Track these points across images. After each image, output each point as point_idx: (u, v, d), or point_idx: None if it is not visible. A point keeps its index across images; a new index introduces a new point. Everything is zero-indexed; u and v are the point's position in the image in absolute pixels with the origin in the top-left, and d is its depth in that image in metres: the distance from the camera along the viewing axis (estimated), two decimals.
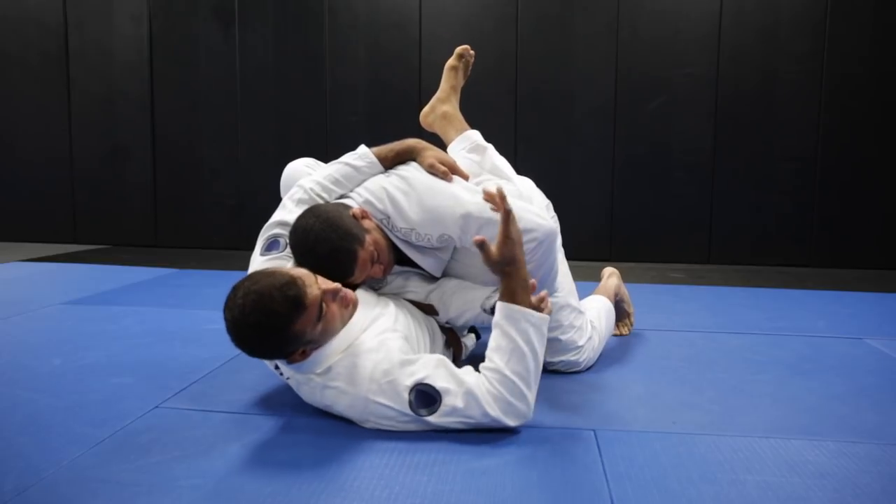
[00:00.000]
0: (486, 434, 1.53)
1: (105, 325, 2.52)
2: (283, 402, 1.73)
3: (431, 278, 1.91)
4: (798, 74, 4.22)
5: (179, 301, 2.99)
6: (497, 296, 1.69)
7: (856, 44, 4.16)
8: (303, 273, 1.50)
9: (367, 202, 1.78)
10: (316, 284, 1.49)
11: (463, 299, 1.80)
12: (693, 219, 4.41)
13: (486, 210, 1.68)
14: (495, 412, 1.48)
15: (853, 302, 3.14)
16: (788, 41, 4.21)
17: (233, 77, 4.71)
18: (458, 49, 2.40)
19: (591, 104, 4.41)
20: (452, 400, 1.48)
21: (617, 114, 4.39)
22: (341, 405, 1.55)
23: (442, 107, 2.37)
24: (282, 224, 1.77)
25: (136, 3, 4.77)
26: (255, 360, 2.05)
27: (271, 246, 1.74)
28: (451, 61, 2.41)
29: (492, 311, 1.70)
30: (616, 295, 2.40)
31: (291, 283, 1.44)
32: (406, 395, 1.49)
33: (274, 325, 1.42)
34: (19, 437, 1.52)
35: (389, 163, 1.87)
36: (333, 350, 1.55)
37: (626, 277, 3.70)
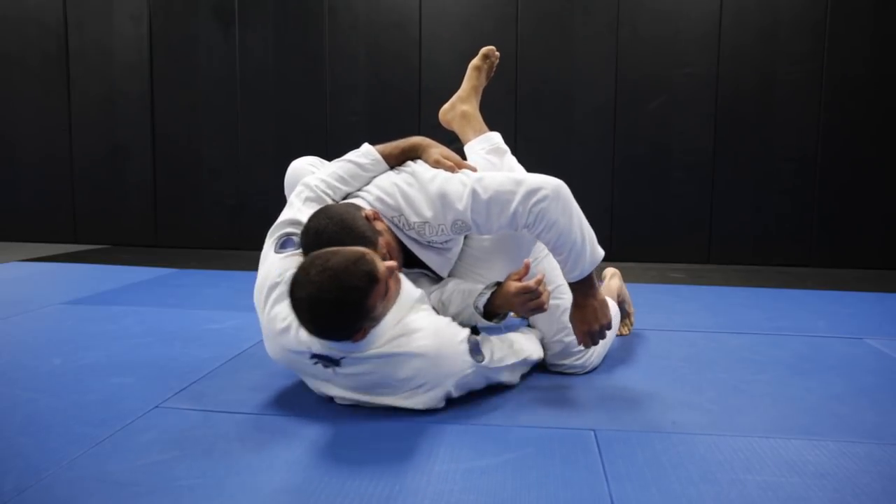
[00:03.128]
0: (486, 434, 1.53)
1: (105, 325, 2.52)
2: (283, 402, 1.73)
3: (437, 279, 1.91)
4: (798, 74, 4.22)
5: (179, 301, 2.99)
6: (488, 293, 1.74)
7: (856, 44, 4.16)
8: (366, 249, 1.51)
9: (379, 199, 1.78)
10: (380, 260, 1.52)
11: (461, 298, 1.80)
12: (693, 219, 4.41)
13: (493, 184, 1.70)
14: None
15: (853, 302, 3.14)
16: (788, 41, 4.21)
17: (233, 77, 4.71)
18: (484, 49, 2.38)
19: (591, 104, 4.41)
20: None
21: (617, 114, 4.40)
22: (408, 371, 1.57)
23: (462, 106, 2.37)
24: (292, 223, 1.76)
25: (136, 3, 4.77)
26: (256, 361, 2.06)
27: (285, 244, 1.72)
28: (475, 61, 2.39)
29: (483, 309, 1.75)
30: (618, 296, 2.39)
31: (363, 258, 1.45)
32: (465, 346, 1.64)
33: (352, 300, 1.42)
34: (19, 437, 1.51)
35: (395, 160, 1.87)
36: (387, 324, 1.56)
37: (626, 277, 3.70)
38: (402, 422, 1.60)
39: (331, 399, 1.70)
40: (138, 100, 4.85)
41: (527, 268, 1.74)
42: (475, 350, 1.67)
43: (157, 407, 1.70)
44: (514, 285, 1.72)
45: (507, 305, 1.75)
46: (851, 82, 4.19)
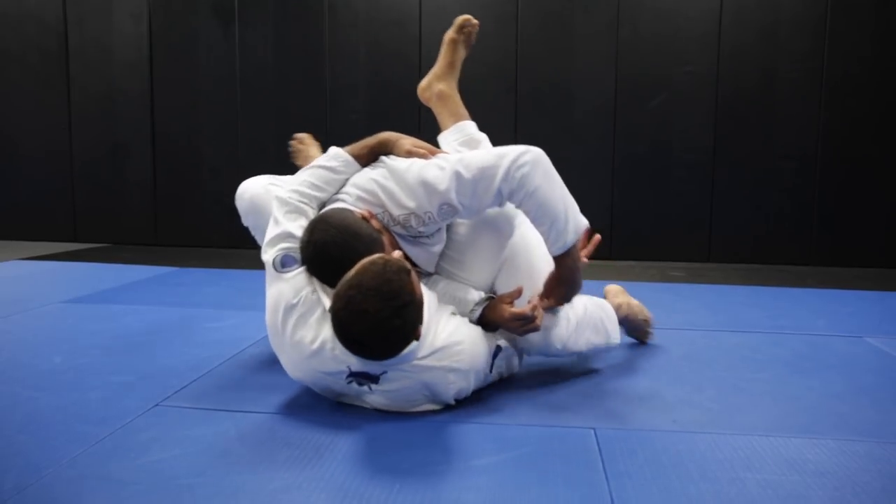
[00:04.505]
0: (486, 433, 1.53)
1: (105, 324, 2.52)
2: (283, 400, 1.73)
3: (425, 276, 1.90)
4: (798, 73, 4.22)
5: (179, 299, 2.99)
6: (479, 310, 1.75)
7: (856, 42, 4.16)
8: (379, 254, 1.51)
9: (359, 199, 1.74)
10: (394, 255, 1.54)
11: (455, 306, 1.77)
12: (693, 217, 4.41)
13: (476, 161, 1.68)
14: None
15: (853, 300, 3.14)
16: (789, 40, 4.21)
17: (233, 75, 4.71)
18: (459, 19, 2.26)
19: (591, 102, 4.41)
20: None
21: (617, 112, 4.39)
22: (447, 383, 1.60)
23: (438, 85, 2.29)
24: (286, 237, 1.67)
25: (136, 1, 4.76)
26: (256, 359, 2.06)
27: (286, 261, 1.65)
28: (450, 33, 2.27)
29: (477, 321, 1.74)
30: (625, 315, 2.21)
31: (387, 262, 1.44)
32: (491, 359, 1.72)
33: (406, 301, 1.41)
34: (19, 435, 1.51)
35: (366, 159, 1.82)
36: (427, 334, 1.56)
37: (626, 276, 3.71)
38: (401, 420, 1.60)
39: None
40: (138, 98, 4.85)
41: (519, 292, 1.72)
42: (494, 361, 1.74)
43: (156, 405, 1.70)
44: (507, 311, 1.70)
45: (500, 324, 1.75)
46: (852, 81, 4.18)
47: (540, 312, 1.70)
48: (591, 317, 1.93)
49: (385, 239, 1.69)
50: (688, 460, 1.41)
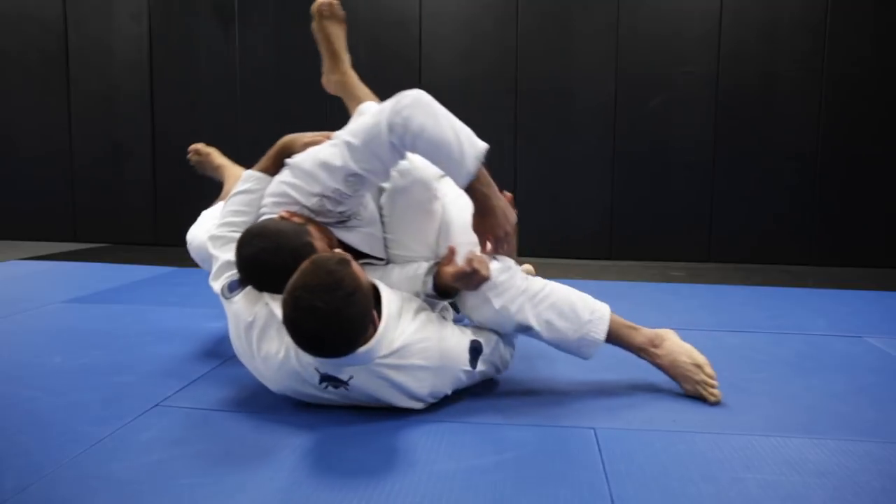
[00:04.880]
0: (486, 433, 1.53)
1: (105, 324, 2.52)
2: (283, 401, 1.73)
3: (381, 267, 1.88)
4: (798, 73, 4.22)
5: (180, 299, 2.99)
6: (430, 279, 1.73)
7: (856, 42, 4.16)
8: (315, 255, 1.52)
9: (274, 203, 1.75)
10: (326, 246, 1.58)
11: (409, 285, 1.76)
12: (693, 217, 4.41)
13: (361, 127, 1.68)
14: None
15: (853, 300, 3.14)
16: (789, 40, 4.21)
17: (233, 75, 4.71)
18: (313, 8, 2.25)
19: (591, 102, 4.41)
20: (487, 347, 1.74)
21: (617, 112, 4.39)
22: (418, 381, 1.59)
23: (332, 76, 2.33)
24: (227, 266, 1.72)
25: (136, 1, 4.76)
26: None
27: (231, 286, 1.69)
28: (313, 25, 2.29)
29: (434, 293, 1.73)
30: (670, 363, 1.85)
31: (322, 258, 1.45)
32: (467, 355, 1.69)
33: (352, 289, 1.41)
34: (20, 436, 1.52)
35: (274, 169, 1.84)
36: (388, 331, 1.55)
37: (626, 276, 3.71)
38: (402, 420, 1.61)
39: None
40: (138, 98, 4.85)
41: (452, 251, 1.71)
42: (473, 357, 1.70)
43: (157, 405, 1.70)
44: (449, 272, 1.69)
45: (452, 287, 1.73)
46: (851, 81, 4.19)
47: (482, 264, 1.66)
48: (552, 294, 1.78)
49: (312, 229, 1.68)
50: (688, 460, 1.41)
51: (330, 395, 1.62)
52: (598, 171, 4.42)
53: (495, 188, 1.70)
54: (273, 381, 1.65)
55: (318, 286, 1.39)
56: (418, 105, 1.62)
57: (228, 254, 1.73)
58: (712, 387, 1.76)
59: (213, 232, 1.83)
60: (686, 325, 2.60)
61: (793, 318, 2.76)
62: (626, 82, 4.37)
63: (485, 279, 1.68)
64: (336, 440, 1.50)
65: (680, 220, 4.42)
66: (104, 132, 4.93)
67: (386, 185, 1.83)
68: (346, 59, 2.36)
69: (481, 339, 1.74)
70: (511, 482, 1.31)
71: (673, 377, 1.82)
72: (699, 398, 1.77)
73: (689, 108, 4.34)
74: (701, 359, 1.80)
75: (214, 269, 1.77)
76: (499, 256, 1.78)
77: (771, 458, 1.43)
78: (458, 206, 1.82)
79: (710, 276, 3.82)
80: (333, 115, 4.56)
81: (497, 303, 1.73)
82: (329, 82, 2.37)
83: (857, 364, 2.13)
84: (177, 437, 1.51)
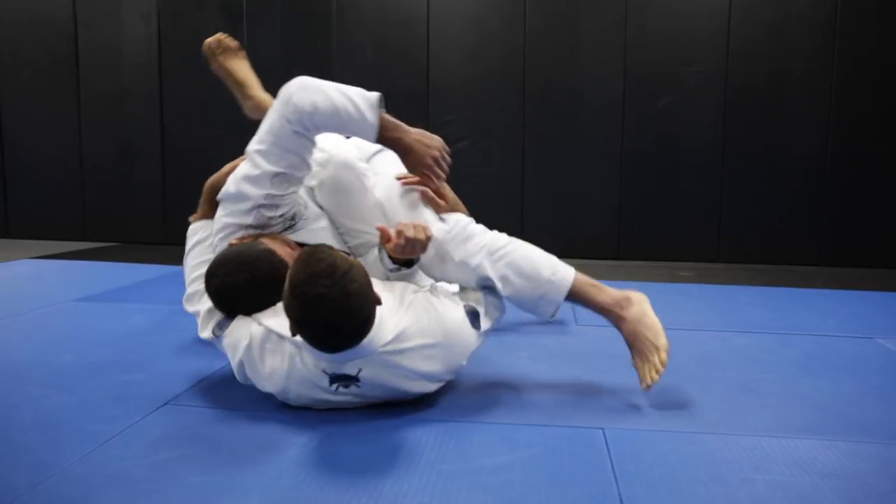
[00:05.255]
0: (495, 433, 1.54)
1: (115, 323, 2.53)
2: (266, 399, 1.73)
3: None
4: (807, 71, 4.20)
5: None
6: (385, 254, 1.75)
7: (865, 40, 4.14)
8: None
9: (222, 240, 1.77)
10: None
11: (376, 273, 1.77)
12: (701, 217, 4.39)
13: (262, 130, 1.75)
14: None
15: (862, 301, 3.12)
16: (798, 38, 4.19)
17: None
18: (204, 49, 2.44)
19: (599, 101, 4.40)
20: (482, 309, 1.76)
21: (625, 111, 4.38)
22: (429, 360, 1.60)
23: (247, 104, 2.48)
24: (209, 313, 1.74)
25: (145, 1, 4.78)
26: None
27: (221, 325, 1.70)
28: (211, 66, 2.45)
29: (396, 266, 1.76)
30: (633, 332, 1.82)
31: (302, 254, 1.45)
32: (468, 321, 1.68)
33: (346, 267, 1.41)
34: (31, 433, 1.53)
35: (211, 210, 1.90)
36: (385, 319, 1.55)
37: (634, 276, 3.70)
38: (410, 418, 1.61)
39: None
40: (147, 98, 4.87)
41: (384, 232, 1.68)
42: (474, 321, 1.70)
43: (166, 404, 1.71)
44: (390, 249, 1.69)
45: (402, 258, 1.72)
46: (860, 79, 4.16)
47: (417, 228, 1.65)
48: (515, 251, 1.81)
49: (266, 240, 1.71)
50: (697, 461, 1.41)
51: (343, 396, 1.62)
52: (605, 170, 4.41)
53: (404, 127, 1.78)
54: (288, 393, 1.64)
55: (315, 275, 1.39)
56: (303, 88, 1.69)
57: (205, 304, 1.75)
58: (656, 373, 1.71)
59: (185, 294, 1.88)
60: (694, 325, 2.59)
61: (801, 318, 2.75)
62: (635, 81, 4.35)
63: (424, 241, 1.66)
64: (343, 439, 1.51)
65: (688, 219, 4.40)
66: (114, 132, 4.95)
67: (313, 182, 1.88)
68: (253, 83, 2.48)
69: (471, 302, 1.75)
70: (520, 482, 1.31)
71: (629, 345, 1.80)
72: (639, 374, 1.74)
73: (697, 106, 4.32)
74: (663, 342, 1.75)
75: (200, 323, 1.78)
76: (446, 216, 1.84)
77: (780, 459, 1.42)
78: (389, 175, 1.89)
79: (718, 277, 3.81)
80: None
81: (457, 256, 1.79)
82: (248, 110, 2.47)
83: (866, 365, 2.12)
84: (186, 435, 1.52)
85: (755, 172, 4.31)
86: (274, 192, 1.73)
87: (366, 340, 1.49)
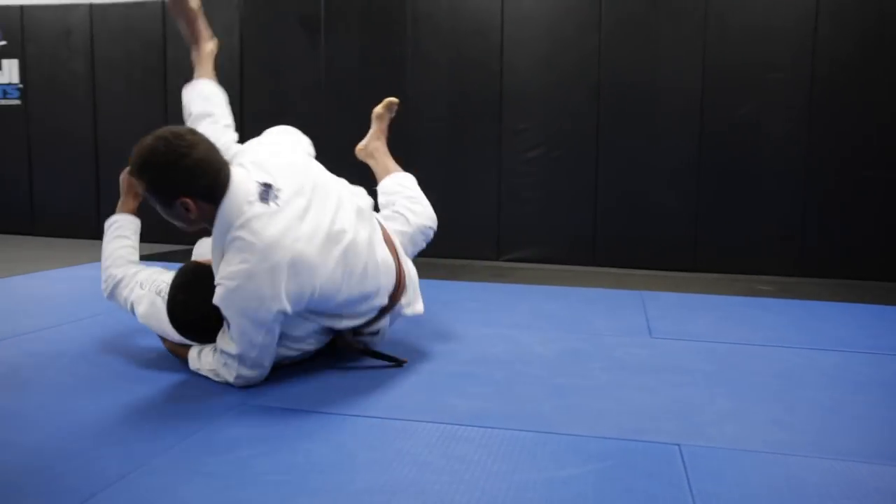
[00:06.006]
0: (568, 444, 1.52)
1: None
2: (365, 402, 1.76)
3: None
4: None
5: None
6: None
7: None
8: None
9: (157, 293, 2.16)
10: None
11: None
12: (784, 228, 4.21)
13: None
14: None
15: None
16: (892, 41, 3.97)
17: (318, 84, 4.85)
18: (388, 102, 2.83)
19: (676, 107, 4.29)
20: None
21: (704, 117, 4.26)
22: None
23: (373, 143, 2.83)
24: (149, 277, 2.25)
25: (228, 13, 4.99)
26: (338, 359, 2.11)
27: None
28: (378, 109, 2.81)
29: None
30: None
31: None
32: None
33: (188, 131, 2.05)
34: (121, 426, 1.61)
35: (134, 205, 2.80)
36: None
37: (710, 289, 3.59)
38: (484, 429, 1.61)
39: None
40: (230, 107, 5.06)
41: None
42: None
43: (244, 403, 1.76)
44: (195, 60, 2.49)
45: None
46: None
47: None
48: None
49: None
50: (780, 484, 1.35)
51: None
52: (683, 178, 4.29)
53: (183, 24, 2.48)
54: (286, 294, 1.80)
55: (161, 139, 1.95)
56: (192, 88, 2.62)
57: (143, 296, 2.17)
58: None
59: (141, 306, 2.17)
60: (775, 341, 2.49)
61: (892, 338, 2.59)
62: (714, 87, 4.22)
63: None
64: (418, 446, 1.52)
65: (769, 230, 4.23)
66: None
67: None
68: (386, 136, 2.87)
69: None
70: (592, 496, 1.29)
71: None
72: None
73: (780, 114, 4.15)
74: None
75: (146, 292, 2.18)
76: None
77: (873, 486, 1.35)
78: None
79: (801, 292, 3.64)
80: (415, 123, 4.64)
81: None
82: (366, 148, 2.88)
83: None
84: (263, 434, 1.56)
85: (842, 183, 4.11)
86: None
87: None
